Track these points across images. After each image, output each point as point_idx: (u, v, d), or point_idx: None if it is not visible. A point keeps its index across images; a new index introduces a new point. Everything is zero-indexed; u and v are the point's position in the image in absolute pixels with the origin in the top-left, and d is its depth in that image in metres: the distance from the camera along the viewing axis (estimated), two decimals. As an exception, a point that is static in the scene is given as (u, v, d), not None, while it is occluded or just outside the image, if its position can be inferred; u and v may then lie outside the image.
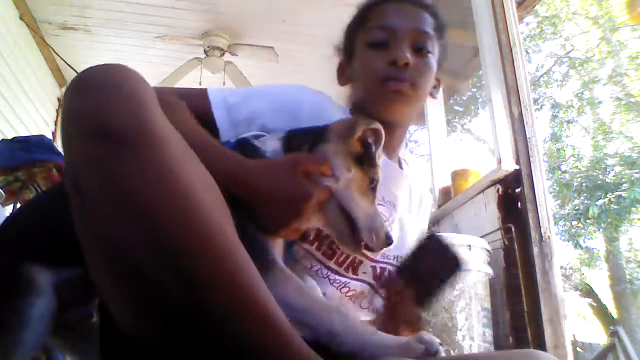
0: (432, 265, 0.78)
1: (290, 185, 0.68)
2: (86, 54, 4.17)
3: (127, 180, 0.49)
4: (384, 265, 0.94)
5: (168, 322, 0.50)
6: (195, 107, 0.85)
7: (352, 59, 1.00)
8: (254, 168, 0.71)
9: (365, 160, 0.77)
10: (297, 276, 0.67)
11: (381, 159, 0.81)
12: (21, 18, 3.54)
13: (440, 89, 1.07)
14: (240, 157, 0.73)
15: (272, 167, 0.71)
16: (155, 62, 4.16)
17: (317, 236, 0.87)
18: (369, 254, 0.89)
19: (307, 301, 0.65)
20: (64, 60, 3.81)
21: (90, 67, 0.57)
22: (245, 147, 0.78)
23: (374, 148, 0.76)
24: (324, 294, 0.85)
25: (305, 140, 0.78)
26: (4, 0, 3.32)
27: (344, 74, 1.04)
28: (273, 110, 0.90)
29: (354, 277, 0.92)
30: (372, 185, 0.77)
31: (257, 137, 0.82)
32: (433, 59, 0.96)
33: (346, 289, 0.92)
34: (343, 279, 0.91)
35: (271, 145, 0.78)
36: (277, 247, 0.73)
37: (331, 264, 0.89)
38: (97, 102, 0.52)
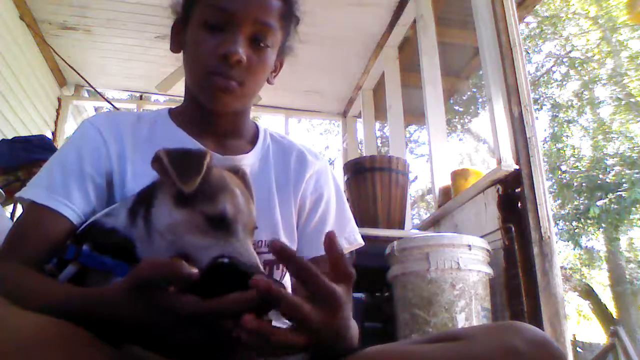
0: None
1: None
2: (86, 54, 4.17)
3: None
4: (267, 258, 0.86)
5: None
6: (46, 228, 0.74)
7: (187, 28, 0.87)
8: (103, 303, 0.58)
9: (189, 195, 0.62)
10: None
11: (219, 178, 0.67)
12: (21, 18, 3.54)
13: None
14: (84, 300, 0.60)
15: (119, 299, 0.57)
16: (155, 62, 4.16)
17: None
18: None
19: None
20: (64, 60, 3.81)
21: None
22: (94, 232, 0.70)
23: (172, 174, 0.61)
24: None
25: (140, 205, 0.68)
26: (4, 0, 3.32)
27: (178, 39, 0.91)
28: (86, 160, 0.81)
29: None
30: (213, 221, 0.63)
31: (109, 213, 0.72)
32: (272, 53, 0.87)
33: None
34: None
35: (121, 217, 0.69)
36: None
37: None
38: None
